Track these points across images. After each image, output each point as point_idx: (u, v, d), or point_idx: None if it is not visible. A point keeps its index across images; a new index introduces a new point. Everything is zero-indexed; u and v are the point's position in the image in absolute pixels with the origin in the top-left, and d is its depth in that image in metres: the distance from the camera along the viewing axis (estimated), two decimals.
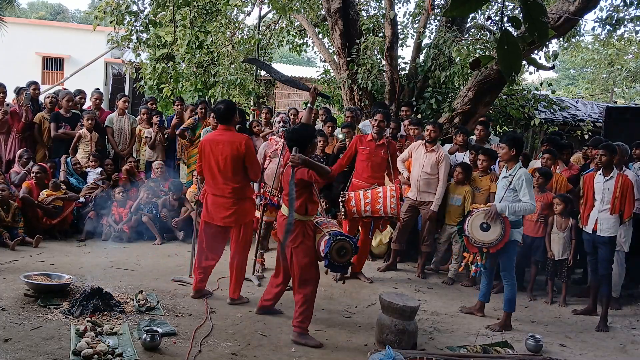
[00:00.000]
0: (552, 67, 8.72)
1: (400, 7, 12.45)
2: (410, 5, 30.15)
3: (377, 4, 11.83)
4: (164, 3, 10.00)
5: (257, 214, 6.15)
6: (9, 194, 6.52)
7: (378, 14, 10.86)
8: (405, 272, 6.70)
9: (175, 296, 5.04)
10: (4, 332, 3.86)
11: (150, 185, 7.48)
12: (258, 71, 10.86)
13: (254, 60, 6.27)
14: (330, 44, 10.82)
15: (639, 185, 5.82)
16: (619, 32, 10.63)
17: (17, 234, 6.37)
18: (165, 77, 10.16)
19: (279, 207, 4.78)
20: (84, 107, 8.60)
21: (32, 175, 6.95)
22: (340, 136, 7.33)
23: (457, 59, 8.47)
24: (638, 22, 8.98)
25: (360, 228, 6.24)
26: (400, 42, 10.32)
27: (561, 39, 10.95)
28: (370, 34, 9.55)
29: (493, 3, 9.56)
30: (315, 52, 12.27)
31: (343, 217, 5.84)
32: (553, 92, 10.63)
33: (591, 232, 5.48)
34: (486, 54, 8.34)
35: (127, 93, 15.87)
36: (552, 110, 10.12)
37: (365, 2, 11.79)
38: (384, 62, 8.95)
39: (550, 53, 9.03)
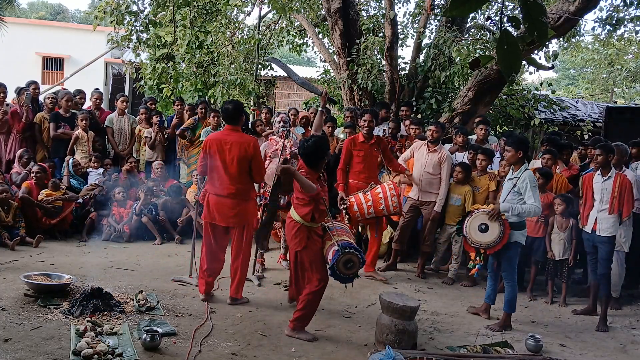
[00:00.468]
0: (552, 67, 8.73)
1: (400, 7, 12.47)
2: (410, 5, 30.24)
3: (377, 4, 11.83)
4: (164, 3, 9.99)
5: (257, 214, 6.16)
6: (9, 194, 6.53)
7: (378, 14, 10.85)
8: (405, 272, 6.69)
9: (175, 296, 5.04)
10: (4, 332, 3.86)
11: (150, 185, 7.48)
12: (258, 71, 10.85)
13: (275, 60, 6.32)
14: (330, 44, 10.82)
15: (638, 185, 5.82)
16: (619, 32, 10.64)
17: (17, 234, 6.37)
18: (165, 77, 10.15)
19: (270, 198, 4.79)
20: (84, 107, 8.61)
21: (32, 175, 6.95)
22: (342, 136, 7.34)
23: (457, 59, 8.48)
24: (638, 22, 8.98)
25: (368, 230, 6.32)
26: (400, 42, 10.32)
27: (561, 39, 10.94)
28: (370, 34, 9.54)
29: (493, 3, 9.56)
30: (315, 52, 12.27)
31: (347, 222, 5.84)
32: (553, 92, 10.63)
33: (591, 232, 5.48)
34: (486, 54, 8.33)
35: (127, 93, 15.88)
36: (552, 110, 10.12)
37: (365, 2, 11.78)
38: (384, 62, 8.95)
39: (550, 53, 9.03)
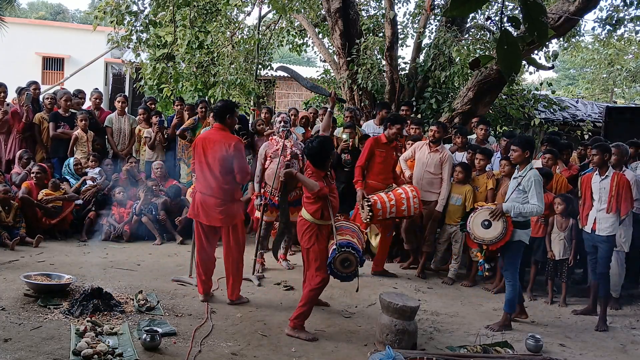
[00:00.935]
0: (552, 67, 8.73)
1: (400, 7, 12.48)
2: (410, 5, 30.29)
3: (377, 4, 11.84)
4: (164, 3, 10.00)
5: (258, 214, 6.16)
6: (10, 195, 6.52)
7: (378, 14, 10.86)
8: (405, 272, 6.70)
9: (175, 296, 5.04)
10: (4, 332, 3.86)
11: (150, 185, 7.48)
12: (258, 71, 10.86)
13: (286, 68, 6.32)
14: (330, 44, 10.82)
15: (638, 184, 5.82)
16: (619, 32, 10.64)
17: (17, 234, 6.37)
18: (165, 77, 10.15)
19: (280, 207, 4.80)
20: (84, 107, 8.60)
21: (31, 175, 6.95)
22: (344, 136, 7.34)
23: (457, 59, 8.48)
24: (638, 22, 8.99)
25: (369, 230, 6.41)
26: (400, 42, 10.32)
27: (561, 39, 10.95)
28: (370, 34, 9.55)
29: (493, 3, 9.56)
30: (315, 52, 12.27)
31: (369, 219, 5.86)
32: (553, 92, 10.63)
33: (590, 232, 5.48)
34: (486, 54, 8.34)
35: (127, 93, 15.88)
36: (552, 110, 10.12)
37: (365, 2, 11.79)
38: (384, 62, 8.95)
39: (550, 53, 9.03)
